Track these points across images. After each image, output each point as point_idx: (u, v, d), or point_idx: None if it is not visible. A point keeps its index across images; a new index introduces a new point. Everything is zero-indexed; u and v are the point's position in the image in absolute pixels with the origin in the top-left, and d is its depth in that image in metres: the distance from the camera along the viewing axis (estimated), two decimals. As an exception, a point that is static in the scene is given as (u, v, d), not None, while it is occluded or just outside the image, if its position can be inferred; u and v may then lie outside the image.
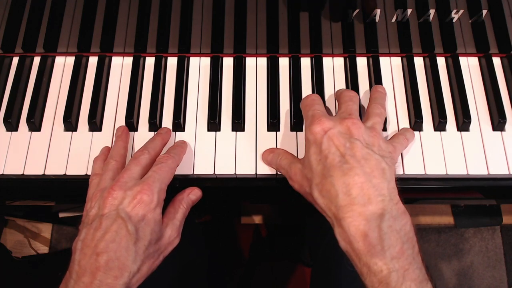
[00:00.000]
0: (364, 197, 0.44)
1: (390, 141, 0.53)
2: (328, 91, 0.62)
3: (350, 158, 0.46)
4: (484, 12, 0.58)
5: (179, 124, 0.59)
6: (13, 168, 0.57)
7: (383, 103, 0.56)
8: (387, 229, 0.43)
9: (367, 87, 0.62)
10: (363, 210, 0.44)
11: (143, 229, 0.47)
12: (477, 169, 0.57)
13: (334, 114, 0.60)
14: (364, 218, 0.43)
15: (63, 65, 0.64)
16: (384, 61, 0.64)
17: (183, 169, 0.57)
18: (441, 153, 0.58)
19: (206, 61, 0.64)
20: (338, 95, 0.58)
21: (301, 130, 0.59)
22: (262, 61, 0.64)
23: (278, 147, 0.58)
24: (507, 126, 0.60)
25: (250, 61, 0.64)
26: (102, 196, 0.48)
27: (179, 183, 0.57)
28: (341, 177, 0.45)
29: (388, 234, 0.43)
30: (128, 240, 0.46)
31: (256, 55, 0.64)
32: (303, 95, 0.61)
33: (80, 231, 0.48)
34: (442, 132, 0.59)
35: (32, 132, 0.60)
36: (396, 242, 0.43)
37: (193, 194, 0.55)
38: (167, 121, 0.60)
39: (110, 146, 0.59)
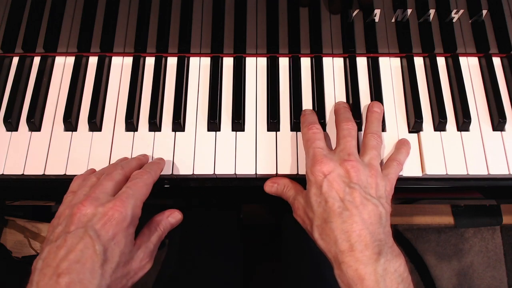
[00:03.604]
0: (362, 244, 0.46)
1: (385, 173, 0.53)
2: (328, 91, 0.62)
3: (349, 204, 0.48)
4: (484, 12, 0.58)
5: (179, 124, 0.59)
6: (13, 168, 0.57)
7: (379, 129, 0.57)
8: (383, 272, 0.45)
9: (367, 88, 0.62)
10: (361, 255, 0.46)
11: (112, 250, 0.43)
12: (477, 169, 0.57)
13: (333, 114, 0.60)
14: (361, 263, 0.45)
15: (63, 65, 0.64)
16: (384, 61, 0.64)
17: (183, 169, 0.57)
18: (441, 153, 0.58)
19: (206, 61, 0.64)
20: (336, 118, 0.58)
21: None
22: (262, 61, 0.64)
23: (278, 147, 0.58)
24: (507, 126, 0.60)
25: (250, 61, 0.64)
26: (71, 212, 0.45)
27: (169, 182, 0.56)
28: (340, 224, 0.47)
29: (384, 277, 0.45)
30: (94, 262, 0.42)
31: (256, 55, 0.64)
32: (303, 95, 0.61)
33: (43, 249, 0.44)
34: (442, 132, 0.59)
35: (32, 132, 0.60)
36: (391, 283, 0.45)
37: (172, 217, 0.52)
38: (167, 121, 0.60)
39: (110, 146, 0.58)
